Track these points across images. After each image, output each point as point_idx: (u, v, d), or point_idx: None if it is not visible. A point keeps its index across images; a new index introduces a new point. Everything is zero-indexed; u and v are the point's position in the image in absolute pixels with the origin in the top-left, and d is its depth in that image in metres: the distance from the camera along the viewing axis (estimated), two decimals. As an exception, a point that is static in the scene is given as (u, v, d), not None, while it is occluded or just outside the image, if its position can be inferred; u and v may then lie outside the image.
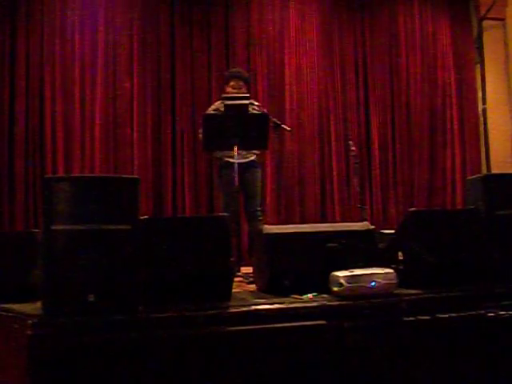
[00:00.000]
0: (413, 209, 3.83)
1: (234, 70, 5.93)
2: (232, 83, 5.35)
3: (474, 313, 3.34)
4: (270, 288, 3.51)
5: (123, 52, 7.53)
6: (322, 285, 3.35)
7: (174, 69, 7.74)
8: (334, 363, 3.06)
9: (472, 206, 3.86)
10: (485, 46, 9.13)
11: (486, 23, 9.14)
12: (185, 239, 3.20)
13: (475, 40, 9.18)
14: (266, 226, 3.75)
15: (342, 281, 3.24)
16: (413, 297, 3.36)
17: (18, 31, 7.10)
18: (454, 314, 3.29)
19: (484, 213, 3.72)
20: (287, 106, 8.12)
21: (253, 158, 5.30)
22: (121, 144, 7.43)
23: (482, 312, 3.34)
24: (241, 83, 5.34)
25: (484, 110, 9.08)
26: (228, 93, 5.29)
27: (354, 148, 6.29)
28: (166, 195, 7.52)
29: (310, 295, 3.33)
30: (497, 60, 9.14)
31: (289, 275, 3.47)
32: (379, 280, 3.29)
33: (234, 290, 3.42)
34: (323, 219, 8.02)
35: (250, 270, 4.46)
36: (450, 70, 9.05)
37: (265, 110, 5.36)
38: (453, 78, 9.03)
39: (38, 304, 2.94)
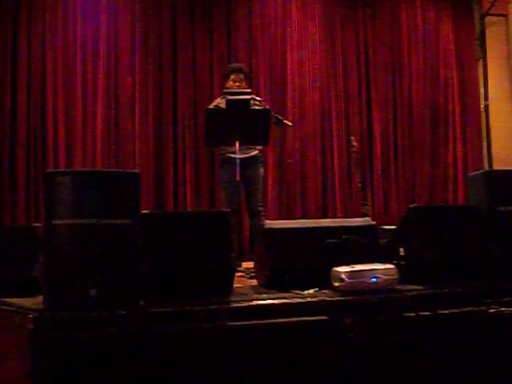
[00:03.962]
0: (414, 205, 3.83)
1: (234, 64, 5.93)
2: (232, 77, 5.35)
3: (475, 309, 3.34)
4: (271, 283, 3.51)
5: (125, 47, 7.52)
6: (323, 280, 3.36)
7: (176, 64, 7.73)
8: (335, 358, 3.06)
9: (473, 202, 3.86)
10: (487, 42, 9.13)
11: (488, 19, 9.14)
12: (186, 234, 3.20)
13: (478, 36, 9.17)
14: (267, 222, 3.76)
15: (343, 276, 3.24)
16: (414, 292, 3.36)
17: (20, 25, 7.08)
18: (455, 310, 3.29)
19: (485, 209, 3.72)
20: (289, 102, 8.11)
21: (255, 153, 5.29)
22: (122, 139, 7.43)
23: (483, 308, 3.34)
24: (241, 77, 5.33)
25: (486, 107, 9.08)
26: (228, 87, 5.29)
27: (355, 144, 6.29)
28: (168, 190, 7.52)
29: (311, 291, 3.33)
30: (499, 56, 9.13)
31: (290, 270, 3.47)
32: (380, 276, 3.29)
33: (235, 285, 3.42)
34: (324, 215, 8.02)
35: (251, 265, 4.46)
36: (453, 66, 9.04)
37: (267, 106, 5.35)
38: (455, 74, 9.03)
39: (40, 298, 2.94)
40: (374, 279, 3.27)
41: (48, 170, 5.71)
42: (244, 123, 4.53)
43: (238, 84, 5.28)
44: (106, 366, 2.76)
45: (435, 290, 3.40)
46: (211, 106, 5.28)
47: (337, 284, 3.28)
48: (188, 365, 2.86)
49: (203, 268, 3.15)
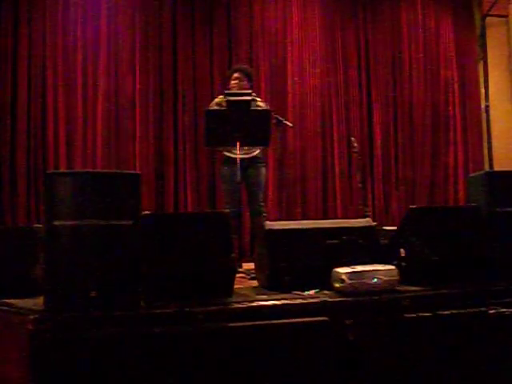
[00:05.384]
0: (414, 206, 3.82)
1: (238, 65, 5.96)
2: (233, 76, 5.37)
3: (475, 310, 3.34)
4: (271, 284, 3.51)
5: (125, 46, 7.52)
6: (324, 281, 3.36)
7: (176, 64, 7.73)
8: (335, 359, 3.06)
9: (474, 203, 3.86)
10: (488, 43, 9.12)
11: (489, 20, 9.13)
12: (186, 235, 3.20)
13: (478, 37, 9.17)
14: (267, 222, 3.76)
15: (343, 277, 3.25)
16: (414, 293, 3.37)
17: (20, 25, 7.07)
18: (455, 311, 3.29)
19: (486, 210, 3.72)
20: (289, 103, 8.11)
21: (256, 153, 5.28)
22: (123, 139, 7.42)
23: (484, 309, 3.34)
24: (241, 76, 5.34)
25: (487, 107, 9.06)
26: (231, 86, 5.30)
27: (356, 145, 6.29)
28: (168, 191, 7.52)
29: (311, 291, 3.33)
30: (500, 57, 9.13)
31: (290, 271, 3.47)
32: (381, 276, 3.29)
33: (235, 286, 3.42)
34: (325, 216, 8.02)
35: (251, 265, 4.46)
36: (453, 66, 9.04)
37: (267, 106, 5.35)
38: (455, 75, 9.02)
39: (40, 299, 2.94)
40: (375, 280, 3.28)
41: (48, 171, 5.72)
42: (244, 124, 4.52)
43: (236, 82, 5.29)
44: (106, 367, 2.76)
45: (435, 290, 3.40)
46: (212, 105, 5.27)
47: (337, 285, 3.29)
48: (189, 365, 2.86)
49: (204, 269, 3.16)
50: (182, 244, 3.17)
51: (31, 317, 2.75)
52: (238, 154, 4.54)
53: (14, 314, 2.96)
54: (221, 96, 5.24)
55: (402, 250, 3.61)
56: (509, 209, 3.72)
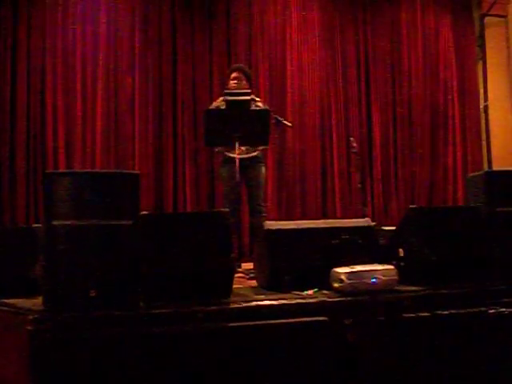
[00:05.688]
0: (414, 205, 3.82)
1: (236, 64, 5.97)
2: (232, 76, 5.37)
3: (474, 310, 3.34)
4: (270, 284, 3.51)
5: (125, 46, 7.52)
6: (323, 281, 3.36)
7: (176, 63, 7.73)
8: (334, 359, 3.06)
9: (473, 203, 3.86)
10: (487, 42, 9.13)
11: (488, 20, 9.14)
12: (185, 235, 3.19)
13: (477, 37, 9.18)
14: (267, 222, 3.76)
15: (342, 277, 3.25)
16: (413, 293, 3.37)
17: (19, 25, 7.07)
18: (454, 311, 3.29)
19: (484, 210, 3.72)
20: (289, 103, 8.11)
21: (256, 153, 5.27)
22: (122, 139, 7.42)
23: (483, 309, 3.34)
24: (240, 76, 5.34)
25: (486, 107, 9.07)
26: (230, 85, 5.30)
27: (355, 144, 6.30)
28: (167, 190, 7.52)
29: (310, 291, 3.33)
30: (499, 57, 9.13)
31: (290, 271, 3.47)
32: (380, 276, 3.29)
33: (234, 286, 3.41)
34: (324, 215, 8.02)
35: (251, 265, 4.46)
36: (452, 66, 9.04)
37: (266, 106, 5.35)
38: (455, 75, 9.03)
39: (39, 299, 2.94)
40: (374, 280, 3.28)
41: (47, 171, 5.71)
42: (244, 123, 4.53)
43: (236, 82, 5.30)
44: (106, 367, 2.76)
45: (434, 290, 3.40)
46: (213, 106, 5.28)
47: (336, 285, 3.29)
48: (188, 365, 2.86)
49: (203, 269, 3.15)
50: (181, 244, 3.16)
51: (31, 317, 2.75)
52: (237, 153, 4.55)
53: (13, 314, 2.96)
54: (221, 98, 5.25)
55: (401, 250, 3.61)
56: (508, 208, 3.72)
